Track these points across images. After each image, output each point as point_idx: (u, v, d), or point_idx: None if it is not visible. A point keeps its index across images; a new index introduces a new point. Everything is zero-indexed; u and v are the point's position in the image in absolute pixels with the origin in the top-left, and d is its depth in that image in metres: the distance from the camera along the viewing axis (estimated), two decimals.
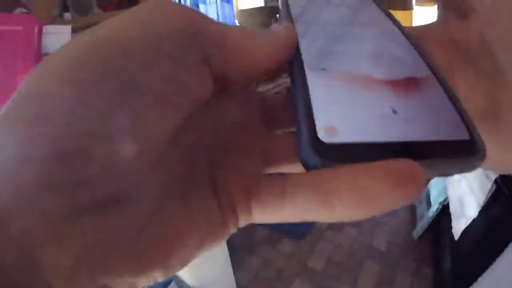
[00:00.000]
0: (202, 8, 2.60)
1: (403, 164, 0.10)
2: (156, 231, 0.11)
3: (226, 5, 2.76)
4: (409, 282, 1.48)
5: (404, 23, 0.18)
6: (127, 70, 0.10)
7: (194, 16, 0.12)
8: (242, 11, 2.87)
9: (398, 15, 2.27)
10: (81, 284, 0.09)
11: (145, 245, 0.11)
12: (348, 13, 0.19)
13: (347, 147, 0.12)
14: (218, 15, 2.70)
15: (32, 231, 0.08)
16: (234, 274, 1.33)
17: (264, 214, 0.13)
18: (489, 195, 1.12)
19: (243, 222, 0.13)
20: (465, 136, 0.13)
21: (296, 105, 0.13)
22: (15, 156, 0.09)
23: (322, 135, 0.12)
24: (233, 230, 0.14)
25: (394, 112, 0.13)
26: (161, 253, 0.11)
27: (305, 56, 0.15)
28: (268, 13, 3.05)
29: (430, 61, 0.16)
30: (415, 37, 0.17)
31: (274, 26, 0.15)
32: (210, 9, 2.66)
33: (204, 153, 0.14)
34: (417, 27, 0.19)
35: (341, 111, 0.13)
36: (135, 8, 0.12)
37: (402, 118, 0.13)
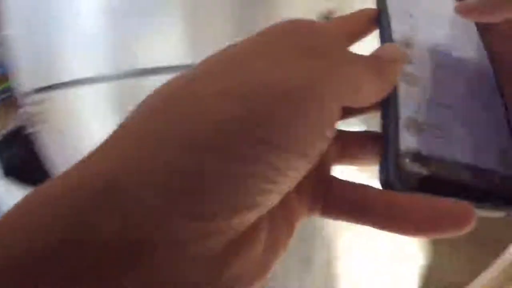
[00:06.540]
0: None
1: (458, 209, 0.11)
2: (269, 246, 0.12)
3: None
4: None
5: None
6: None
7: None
8: None
9: None
10: None
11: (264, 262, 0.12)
12: (449, 33, 0.17)
13: (430, 178, 0.12)
14: None
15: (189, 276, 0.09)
16: None
17: (330, 215, 0.14)
18: None
19: (311, 217, 0.15)
20: None
21: (386, 126, 0.13)
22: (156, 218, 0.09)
23: (407, 163, 0.12)
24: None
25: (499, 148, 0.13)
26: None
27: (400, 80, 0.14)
28: None
29: None
30: None
31: (385, 56, 0.14)
32: None
33: None
34: None
35: (433, 139, 0.13)
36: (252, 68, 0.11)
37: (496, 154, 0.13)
